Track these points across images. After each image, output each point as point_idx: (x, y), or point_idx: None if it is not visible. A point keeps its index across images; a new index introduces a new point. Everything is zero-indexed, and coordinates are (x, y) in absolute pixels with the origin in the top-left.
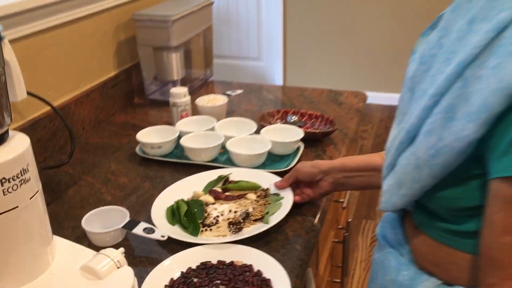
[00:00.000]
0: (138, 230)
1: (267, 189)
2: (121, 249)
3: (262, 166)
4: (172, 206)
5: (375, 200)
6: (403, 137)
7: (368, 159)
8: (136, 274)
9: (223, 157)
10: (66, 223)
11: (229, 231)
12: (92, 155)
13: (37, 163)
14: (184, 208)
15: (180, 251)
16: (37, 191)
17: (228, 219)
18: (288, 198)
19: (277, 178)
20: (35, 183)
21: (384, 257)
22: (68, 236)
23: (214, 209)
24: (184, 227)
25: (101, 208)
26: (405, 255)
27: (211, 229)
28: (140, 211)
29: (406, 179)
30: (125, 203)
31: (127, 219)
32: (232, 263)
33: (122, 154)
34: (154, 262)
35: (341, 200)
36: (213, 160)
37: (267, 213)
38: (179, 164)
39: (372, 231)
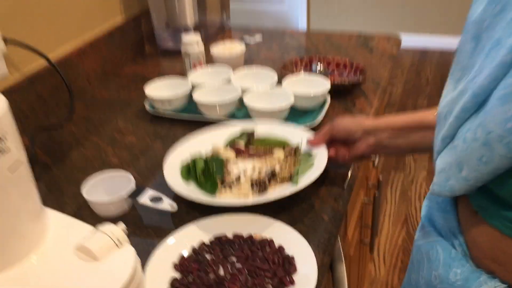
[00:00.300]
0: (144, 199)
1: (297, 146)
2: (122, 226)
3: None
4: (188, 164)
5: None
6: (467, 102)
7: (420, 117)
8: (143, 249)
9: (241, 112)
10: (67, 189)
11: (252, 191)
12: (98, 111)
13: (37, 121)
14: (201, 164)
15: (193, 221)
16: (20, 162)
17: (252, 178)
18: (321, 158)
19: (309, 134)
20: (17, 154)
21: (430, 247)
22: (69, 204)
23: (235, 166)
24: (200, 185)
25: (103, 173)
26: (458, 247)
27: (231, 189)
28: (149, 175)
29: (470, 158)
30: (132, 167)
31: (132, 186)
32: (250, 237)
33: (131, 110)
34: (163, 233)
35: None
36: (230, 116)
37: (297, 173)
38: (192, 121)
39: (402, 183)
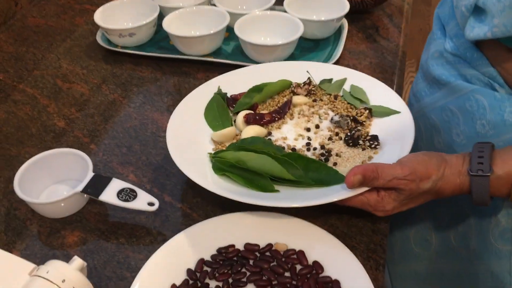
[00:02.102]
0: (109, 195)
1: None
2: (77, 263)
3: (289, 59)
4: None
5: None
6: None
7: None
8: (109, 277)
9: (229, 46)
10: None
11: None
12: (31, 46)
13: None
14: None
15: (187, 223)
16: None
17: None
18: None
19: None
20: None
21: (465, 99)
22: None
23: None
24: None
25: (46, 153)
26: (500, 89)
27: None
28: (114, 148)
29: None
30: (88, 134)
31: (88, 174)
32: (269, 247)
33: (78, 43)
34: (142, 245)
35: None
36: (215, 53)
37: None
38: (164, 60)
39: None
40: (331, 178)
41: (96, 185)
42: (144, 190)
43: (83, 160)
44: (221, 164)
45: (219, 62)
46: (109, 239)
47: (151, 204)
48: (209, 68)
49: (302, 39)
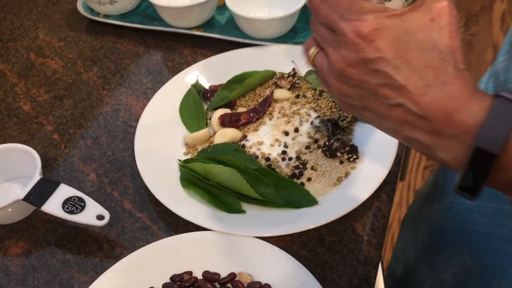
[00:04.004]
0: (53, 205)
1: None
2: None
3: (289, 36)
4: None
5: None
6: None
7: None
8: None
9: (223, 16)
10: None
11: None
12: (10, 13)
13: None
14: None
15: (140, 243)
16: None
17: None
18: None
19: None
20: None
21: None
22: None
23: (250, 146)
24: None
25: None
26: None
27: None
28: (78, 140)
29: None
30: (53, 121)
31: (34, 178)
32: (232, 277)
33: (60, 10)
34: (94, 259)
35: None
36: (207, 24)
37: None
38: (149, 32)
39: None
40: (302, 199)
41: (42, 191)
42: (103, 193)
43: (33, 158)
44: (189, 175)
45: (208, 37)
46: (56, 254)
47: (100, 217)
48: (197, 42)
49: (307, 9)
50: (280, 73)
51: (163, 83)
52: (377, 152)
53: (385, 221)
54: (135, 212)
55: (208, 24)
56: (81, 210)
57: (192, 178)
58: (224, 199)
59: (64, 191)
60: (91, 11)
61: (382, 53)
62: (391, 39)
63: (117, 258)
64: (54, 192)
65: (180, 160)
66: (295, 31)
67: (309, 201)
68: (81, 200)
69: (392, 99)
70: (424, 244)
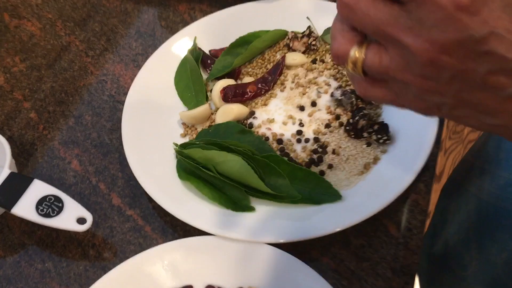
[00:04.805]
0: (25, 206)
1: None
2: None
3: None
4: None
5: None
6: None
7: None
8: None
9: None
10: None
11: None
12: None
13: None
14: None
15: (133, 249)
16: None
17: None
18: None
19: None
20: None
21: None
22: None
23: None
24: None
25: None
26: None
27: None
28: (59, 119)
29: None
30: (30, 96)
31: (3, 173)
32: None
33: None
34: (78, 269)
35: None
36: None
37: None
38: None
39: None
40: (323, 193)
41: (12, 189)
42: (88, 185)
43: (2, 147)
44: (187, 164)
45: None
46: (33, 261)
47: (81, 220)
48: None
49: None
50: (292, 32)
51: (155, 47)
52: (412, 131)
53: (423, 218)
54: (125, 208)
55: None
56: (58, 212)
57: (190, 167)
58: (229, 193)
59: (39, 189)
60: None
61: (493, 27)
62: (501, 5)
63: (104, 268)
64: (27, 190)
65: (176, 145)
66: None
67: (332, 195)
68: (58, 199)
69: (508, 88)
70: (470, 222)
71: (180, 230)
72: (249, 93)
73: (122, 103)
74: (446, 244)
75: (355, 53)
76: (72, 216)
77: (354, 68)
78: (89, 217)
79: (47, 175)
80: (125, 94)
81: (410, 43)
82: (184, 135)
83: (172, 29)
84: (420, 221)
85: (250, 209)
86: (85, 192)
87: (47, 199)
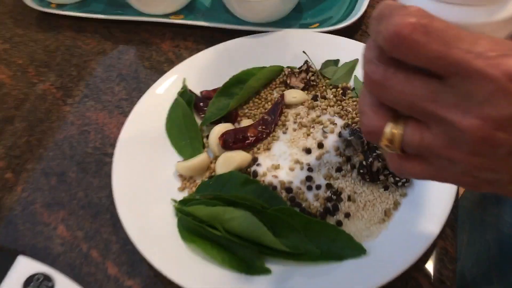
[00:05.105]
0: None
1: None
2: None
3: (294, 17)
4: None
5: None
6: None
7: None
8: None
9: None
10: None
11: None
12: None
13: None
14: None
15: None
16: None
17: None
18: None
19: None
20: None
21: None
22: None
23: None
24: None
25: None
26: None
27: None
28: (39, 177)
29: None
30: (4, 154)
31: None
32: None
33: (2, 2)
34: None
35: None
36: (188, 8)
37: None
38: (116, 23)
39: None
40: (344, 247)
41: None
42: (78, 254)
43: None
44: (189, 223)
45: (191, 25)
46: None
47: None
48: (178, 32)
49: None
50: (289, 68)
51: (140, 91)
52: None
53: (453, 267)
54: (123, 279)
55: (189, 8)
56: None
57: (194, 226)
58: (241, 254)
59: (24, 267)
60: (41, 0)
61: None
62: None
63: None
64: (11, 267)
65: (175, 201)
66: (300, 10)
67: (355, 249)
68: (47, 278)
69: None
70: (491, 255)
71: None
72: (250, 138)
73: (109, 155)
74: (463, 277)
75: (392, 130)
76: None
77: (390, 145)
78: None
79: (31, 245)
80: (112, 145)
81: (458, 121)
82: (182, 189)
83: (157, 70)
84: (452, 270)
85: (266, 271)
86: (75, 262)
87: (35, 278)
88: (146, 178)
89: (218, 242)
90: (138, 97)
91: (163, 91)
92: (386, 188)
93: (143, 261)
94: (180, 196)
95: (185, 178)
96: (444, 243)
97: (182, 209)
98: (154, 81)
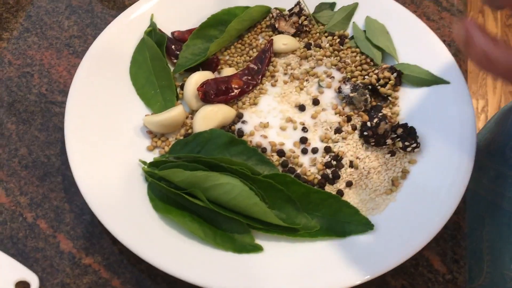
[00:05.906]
0: None
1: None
2: None
3: None
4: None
5: None
6: None
7: None
8: None
9: None
10: None
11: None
12: None
13: None
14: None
15: None
16: None
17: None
18: None
19: None
20: None
21: None
22: None
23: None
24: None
25: None
26: None
27: None
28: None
29: None
30: None
31: None
32: None
33: None
34: None
35: None
36: None
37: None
38: None
39: None
40: (348, 222)
41: None
42: (22, 225)
43: None
44: (162, 189)
45: None
46: None
47: (23, 285)
48: None
49: None
50: (276, 9)
51: (96, 27)
52: (444, 133)
53: (466, 244)
54: (80, 255)
55: None
56: None
57: (169, 194)
58: (226, 229)
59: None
60: None
61: None
62: None
63: None
64: None
65: (144, 163)
66: None
67: (360, 224)
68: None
69: None
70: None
71: (162, 281)
72: (235, 90)
73: (59, 104)
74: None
75: None
76: (8, 281)
77: None
78: (33, 280)
79: None
80: (62, 92)
81: None
82: (152, 148)
83: (116, 3)
84: (464, 248)
85: (256, 248)
86: (18, 234)
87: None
88: (108, 133)
89: (199, 213)
90: (94, 35)
91: (125, 29)
92: (393, 153)
93: (104, 235)
94: (150, 157)
95: (155, 136)
96: (455, 217)
97: (153, 173)
98: (113, 16)
